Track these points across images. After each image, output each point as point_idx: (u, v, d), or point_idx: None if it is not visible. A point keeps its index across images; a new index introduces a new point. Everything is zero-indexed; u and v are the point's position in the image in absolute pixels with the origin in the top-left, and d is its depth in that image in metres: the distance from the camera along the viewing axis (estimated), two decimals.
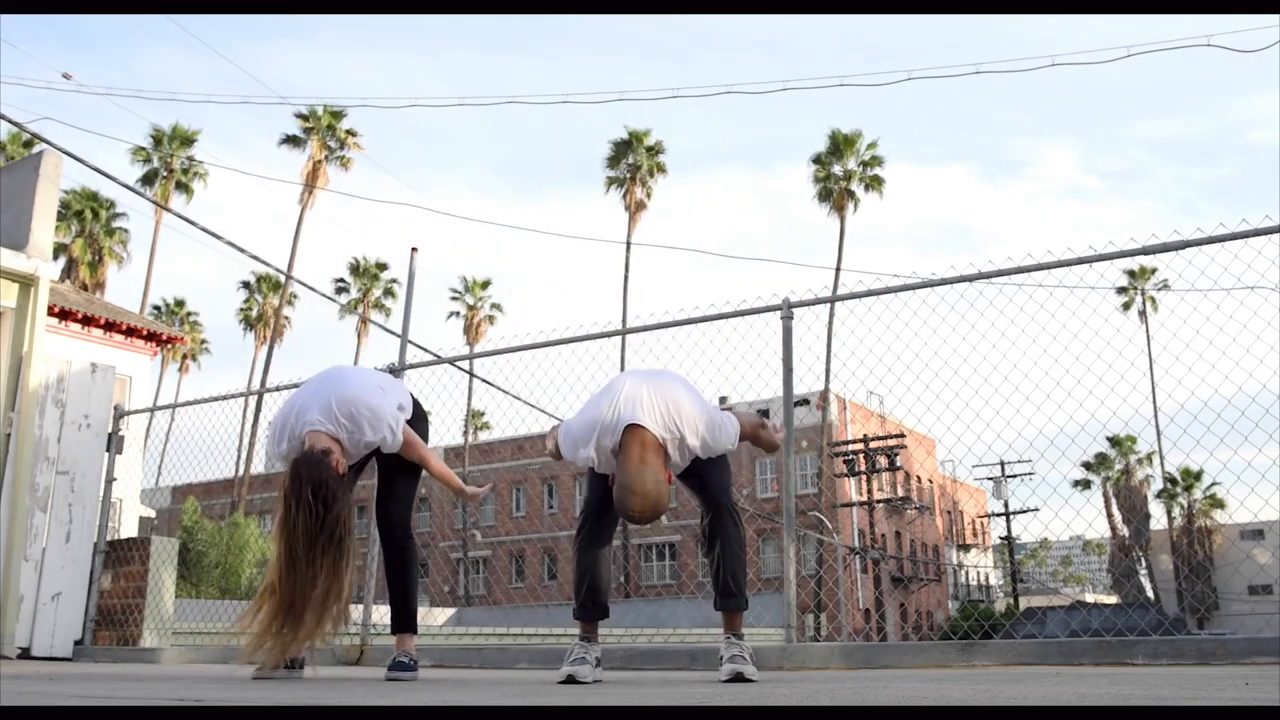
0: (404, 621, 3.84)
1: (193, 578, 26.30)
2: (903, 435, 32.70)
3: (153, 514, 25.00)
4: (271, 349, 38.74)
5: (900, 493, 40.32)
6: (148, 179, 35.68)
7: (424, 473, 3.91)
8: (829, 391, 32.65)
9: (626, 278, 39.18)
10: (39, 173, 7.26)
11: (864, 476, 33.77)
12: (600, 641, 3.40)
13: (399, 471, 3.86)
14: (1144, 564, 47.78)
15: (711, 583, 3.32)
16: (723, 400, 3.39)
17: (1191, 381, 4.21)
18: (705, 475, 3.33)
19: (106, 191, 35.06)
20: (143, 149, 35.54)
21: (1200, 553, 46.43)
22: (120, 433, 7.06)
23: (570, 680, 3.08)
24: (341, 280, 43.31)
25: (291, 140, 37.41)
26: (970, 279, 4.57)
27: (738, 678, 3.01)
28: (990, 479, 36.80)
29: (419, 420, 3.90)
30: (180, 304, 44.60)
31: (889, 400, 5.03)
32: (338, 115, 36.96)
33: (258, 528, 29.94)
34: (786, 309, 4.84)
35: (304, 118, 36.81)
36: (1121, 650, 3.71)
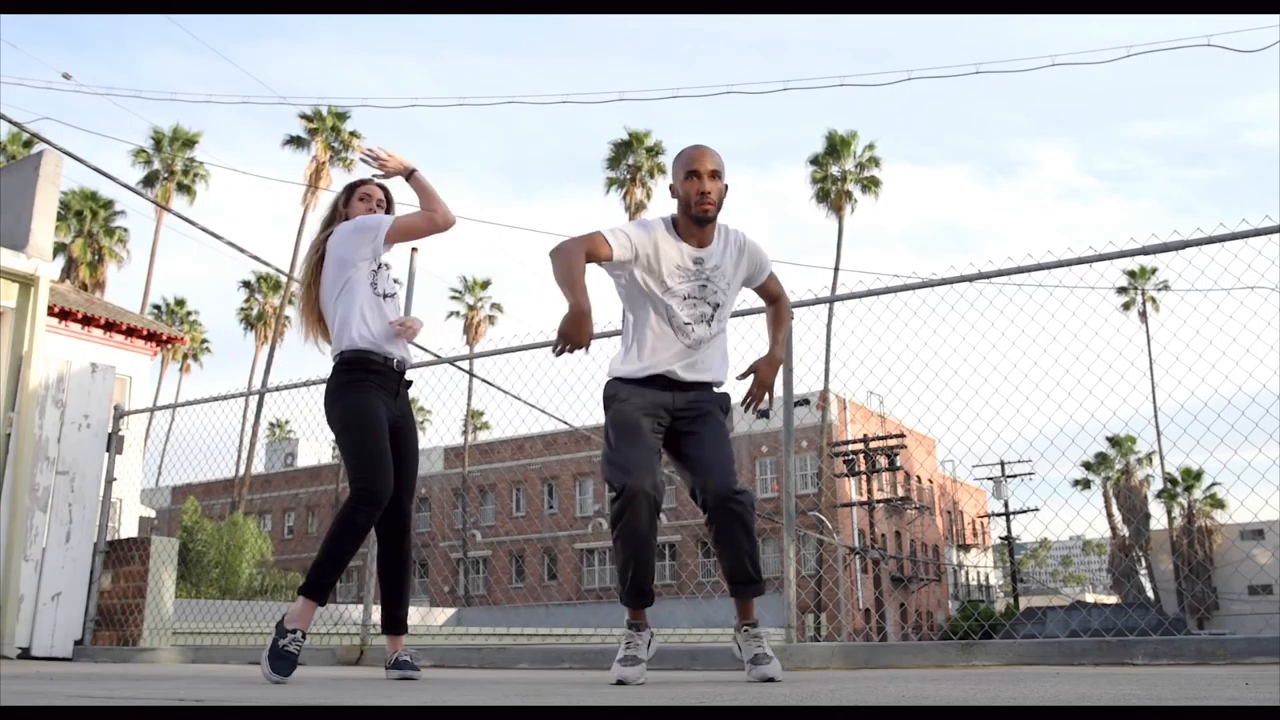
0: (402, 624, 3.83)
1: (193, 578, 26.30)
2: (903, 435, 32.71)
3: (153, 514, 25.00)
4: (273, 349, 38.77)
5: (900, 493, 40.31)
6: (149, 180, 35.67)
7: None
8: (829, 391, 32.63)
9: None
10: (39, 173, 7.26)
11: (864, 476, 33.76)
12: (649, 627, 3.21)
13: (415, 459, 3.83)
14: (1144, 564, 47.77)
15: (726, 571, 3.13)
16: None
17: (1191, 381, 4.22)
18: (708, 462, 3.16)
19: (106, 191, 35.10)
20: (144, 150, 35.55)
21: (1200, 553, 46.43)
22: (120, 433, 7.05)
23: (621, 684, 2.95)
24: None
25: (295, 141, 37.41)
26: (970, 279, 4.57)
27: (768, 680, 2.97)
28: (990, 479, 36.80)
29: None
30: (180, 304, 44.58)
31: (889, 400, 5.03)
32: (342, 117, 36.96)
33: (257, 528, 29.95)
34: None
35: (308, 119, 36.81)
36: (1121, 650, 3.71)
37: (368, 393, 3.64)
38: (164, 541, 7.26)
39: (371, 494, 3.52)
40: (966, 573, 52.25)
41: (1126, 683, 2.48)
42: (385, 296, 3.78)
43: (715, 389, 3.33)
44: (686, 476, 3.24)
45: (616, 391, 3.26)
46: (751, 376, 3.30)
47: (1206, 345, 4.12)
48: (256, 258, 7.81)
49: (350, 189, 3.95)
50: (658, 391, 3.23)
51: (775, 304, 3.48)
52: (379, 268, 3.77)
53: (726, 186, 3.25)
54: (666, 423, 3.23)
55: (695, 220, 3.20)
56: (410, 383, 3.87)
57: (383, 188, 3.98)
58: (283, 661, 3.38)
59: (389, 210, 3.95)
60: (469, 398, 31.43)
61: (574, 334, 2.99)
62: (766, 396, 3.32)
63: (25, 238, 7.09)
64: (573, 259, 3.07)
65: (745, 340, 5.09)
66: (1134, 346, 4.67)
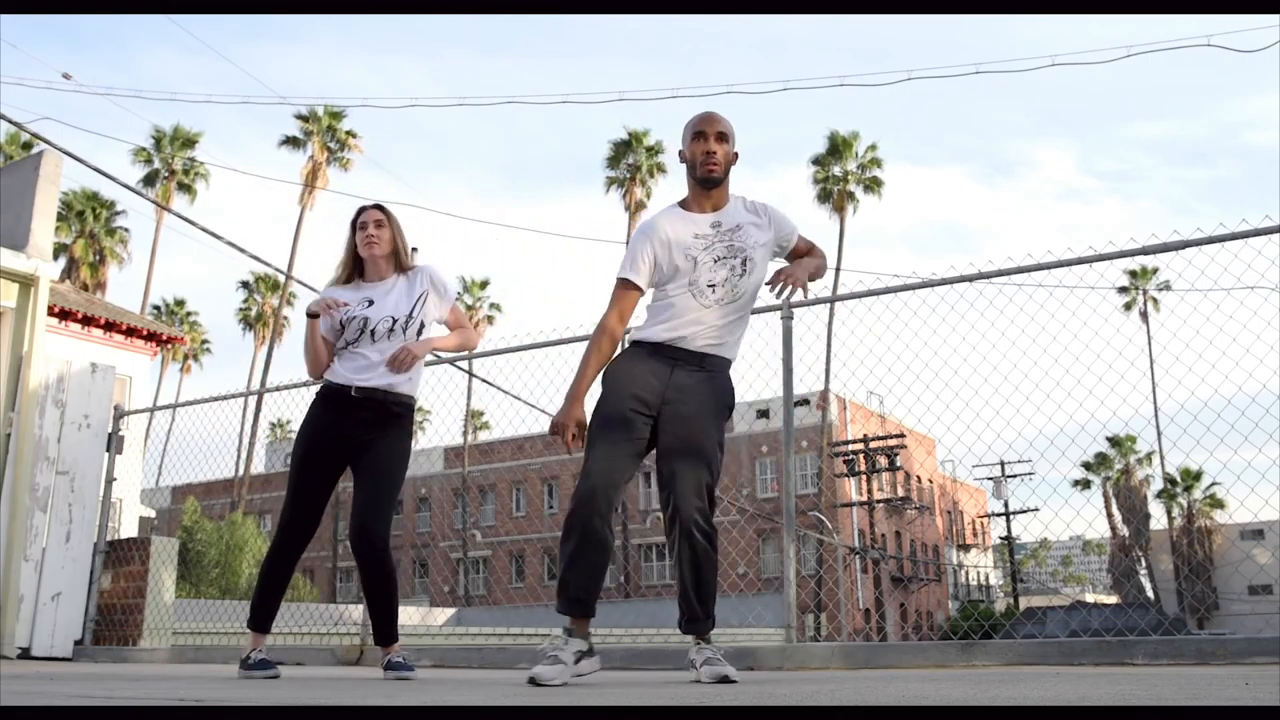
0: (392, 634, 3.87)
1: (192, 578, 26.30)
2: (903, 435, 32.70)
3: (153, 514, 24.99)
4: (271, 349, 38.77)
5: (900, 493, 40.31)
6: (149, 180, 35.68)
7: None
8: (829, 391, 32.64)
9: None
10: (39, 173, 7.26)
11: (864, 476, 33.76)
12: (591, 636, 3.10)
13: (384, 475, 3.79)
14: (1144, 564, 47.78)
15: (681, 603, 3.13)
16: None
17: (1191, 381, 4.22)
18: (679, 478, 3.06)
19: (107, 192, 35.10)
20: (144, 150, 35.56)
21: (1200, 553, 46.43)
22: (120, 433, 7.05)
23: (534, 683, 2.84)
24: None
25: (291, 141, 37.41)
26: (970, 279, 4.58)
27: (724, 680, 2.95)
28: (990, 479, 36.77)
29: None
30: (180, 304, 44.60)
31: (889, 400, 5.04)
32: (338, 116, 36.94)
33: (257, 527, 29.94)
34: (786, 309, 4.84)
35: (304, 119, 36.80)
36: (1121, 650, 3.71)
37: (314, 425, 3.85)
38: (164, 541, 7.26)
39: (279, 526, 3.86)
40: (966, 573, 52.25)
41: (1126, 683, 2.48)
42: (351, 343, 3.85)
43: (722, 367, 3.21)
44: (659, 483, 3.13)
45: (615, 370, 3.18)
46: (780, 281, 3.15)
47: (1206, 345, 4.13)
48: (256, 258, 7.82)
49: (352, 226, 3.96)
50: (660, 363, 3.12)
51: (809, 253, 3.40)
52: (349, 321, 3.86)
53: (736, 154, 3.26)
54: (656, 406, 3.10)
55: (702, 182, 3.20)
56: (394, 410, 3.79)
57: (379, 206, 3.98)
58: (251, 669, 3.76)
59: (389, 223, 3.93)
60: (469, 398, 31.48)
61: (560, 418, 3.14)
62: (799, 289, 3.14)
63: (25, 238, 7.09)
64: (595, 339, 3.21)
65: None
66: (1134, 346, 4.67)
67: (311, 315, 3.85)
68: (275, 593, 3.90)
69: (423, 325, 3.87)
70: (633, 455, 3.09)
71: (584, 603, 3.04)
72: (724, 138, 3.20)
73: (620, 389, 3.12)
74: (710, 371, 3.18)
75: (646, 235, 3.20)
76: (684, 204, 3.27)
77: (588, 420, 3.15)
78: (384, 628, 3.86)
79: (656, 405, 3.12)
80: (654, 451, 3.18)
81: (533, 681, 2.83)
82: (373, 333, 3.79)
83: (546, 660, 2.94)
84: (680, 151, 3.28)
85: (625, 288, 3.21)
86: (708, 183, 3.19)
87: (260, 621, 3.87)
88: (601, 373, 3.21)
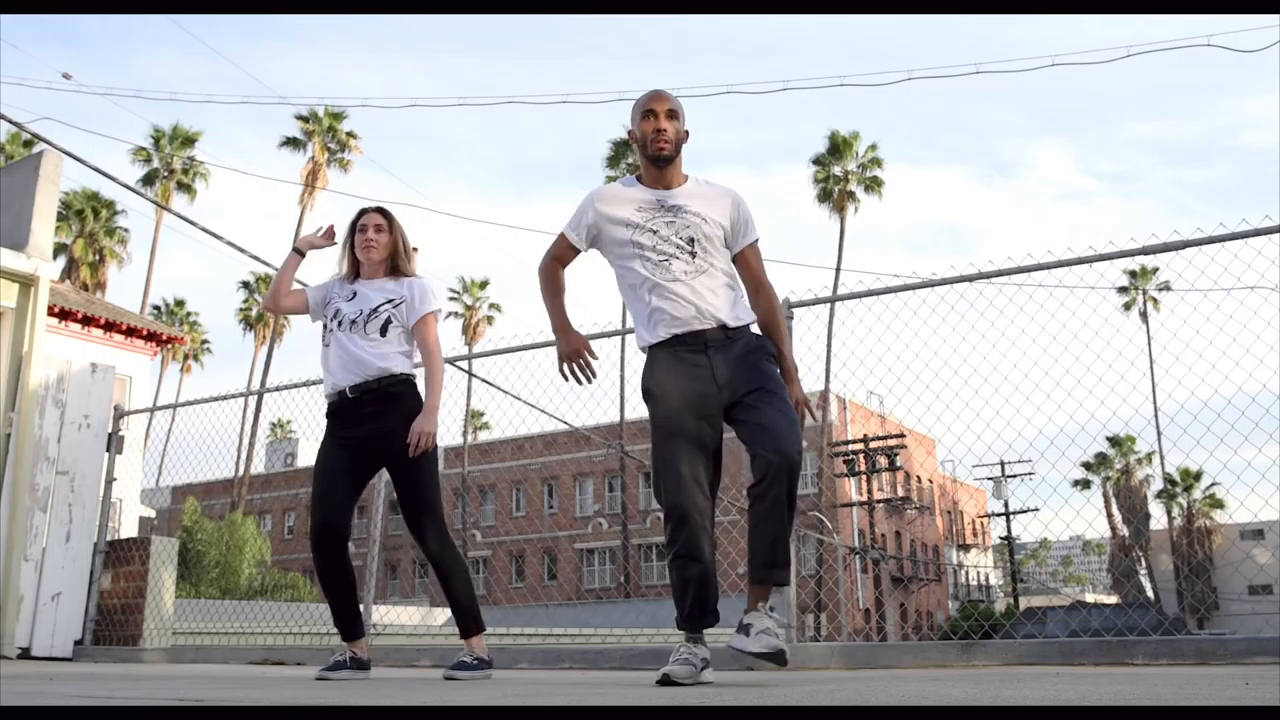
0: (467, 625, 3.80)
1: (193, 578, 26.29)
2: (903, 435, 32.69)
3: (153, 514, 24.98)
4: (271, 349, 38.76)
5: (900, 493, 40.32)
6: (148, 179, 35.67)
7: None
8: (829, 391, 32.62)
9: None
10: (39, 173, 7.26)
11: (864, 476, 33.76)
12: (704, 642, 3.06)
13: (418, 479, 3.78)
14: (1144, 564, 47.77)
15: (766, 549, 2.96)
16: None
17: (1191, 381, 4.23)
18: (771, 424, 2.95)
19: (107, 191, 35.09)
20: (143, 149, 35.55)
21: (1200, 553, 46.43)
22: (120, 433, 7.05)
23: (667, 681, 2.83)
24: None
25: (292, 142, 37.41)
26: (970, 279, 4.58)
27: (778, 651, 2.85)
28: (990, 479, 36.78)
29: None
30: (180, 304, 44.58)
31: (889, 400, 5.04)
32: (338, 117, 36.95)
33: (257, 527, 29.94)
34: (787, 309, 4.84)
35: (304, 120, 36.80)
36: (1121, 650, 3.71)
37: (325, 438, 3.88)
38: (164, 541, 7.25)
39: (311, 536, 3.79)
40: (966, 573, 52.24)
41: (1126, 683, 2.48)
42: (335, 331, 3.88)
43: (749, 330, 3.14)
44: (746, 444, 3.05)
45: (652, 381, 3.09)
46: None
47: (1206, 345, 4.13)
48: (256, 257, 7.81)
49: (352, 227, 3.98)
50: (693, 360, 3.04)
51: (760, 292, 3.24)
52: (331, 315, 3.91)
53: (687, 133, 3.19)
54: (719, 401, 3.02)
55: (652, 160, 3.13)
56: (389, 395, 3.76)
57: (381, 210, 4.00)
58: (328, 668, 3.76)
59: (391, 229, 3.95)
60: (468, 398, 31.51)
61: (566, 349, 3.16)
62: (808, 410, 3.18)
63: (25, 238, 7.09)
64: (546, 278, 3.28)
65: None
66: (1134, 346, 4.67)
67: (299, 252, 4.02)
68: (341, 603, 3.80)
69: (388, 323, 3.83)
70: (707, 457, 3.04)
71: (695, 619, 3.05)
72: (674, 115, 3.14)
73: (669, 399, 3.05)
74: (734, 339, 3.10)
75: (590, 199, 3.23)
76: (639, 179, 3.23)
77: (588, 342, 3.21)
78: (456, 618, 3.82)
79: (715, 395, 3.03)
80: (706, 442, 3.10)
81: (666, 678, 2.83)
82: (339, 321, 3.85)
83: (679, 661, 2.92)
84: (630, 131, 3.24)
85: (562, 238, 3.27)
86: (658, 160, 3.13)
87: (343, 632, 3.82)
88: (644, 389, 3.14)
